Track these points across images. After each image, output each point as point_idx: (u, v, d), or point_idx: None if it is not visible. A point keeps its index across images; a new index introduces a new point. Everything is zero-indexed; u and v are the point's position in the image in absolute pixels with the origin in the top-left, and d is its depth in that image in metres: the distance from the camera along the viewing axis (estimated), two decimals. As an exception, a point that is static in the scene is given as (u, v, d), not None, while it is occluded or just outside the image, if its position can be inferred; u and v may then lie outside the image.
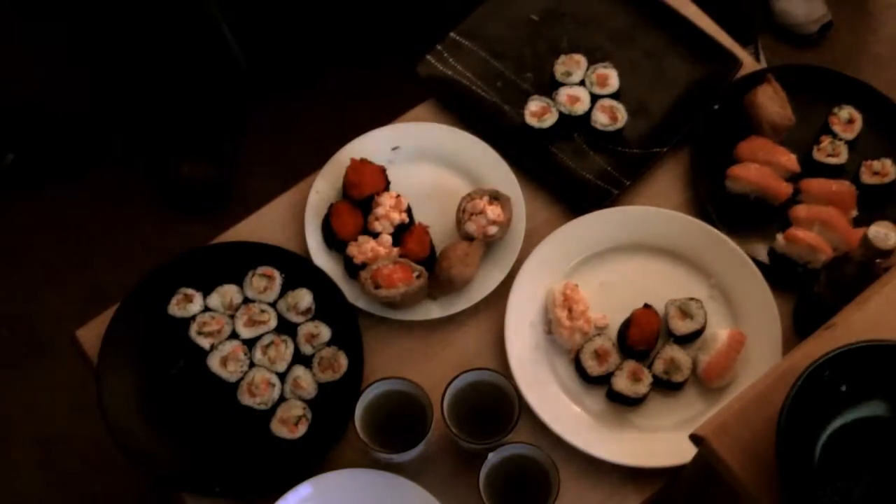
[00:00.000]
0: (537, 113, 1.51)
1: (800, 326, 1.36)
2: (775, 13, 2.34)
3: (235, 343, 1.36)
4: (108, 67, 2.18)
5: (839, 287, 1.23)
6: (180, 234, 2.08)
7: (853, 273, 1.21)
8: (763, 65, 1.82)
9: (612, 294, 1.42)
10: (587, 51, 1.59)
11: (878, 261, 1.17)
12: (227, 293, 1.39)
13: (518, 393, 1.28)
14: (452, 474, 1.30)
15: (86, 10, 2.03)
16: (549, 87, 1.55)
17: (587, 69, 1.55)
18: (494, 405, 1.28)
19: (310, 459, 1.30)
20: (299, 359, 1.36)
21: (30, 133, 2.12)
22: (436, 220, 1.45)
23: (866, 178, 1.47)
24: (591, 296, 1.41)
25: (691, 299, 1.38)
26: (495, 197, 1.42)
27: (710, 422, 1.03)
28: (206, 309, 1.39)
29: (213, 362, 1.35)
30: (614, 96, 1.54)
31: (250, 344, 1.37)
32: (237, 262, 1.41)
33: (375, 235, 1.41)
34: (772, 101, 1.46)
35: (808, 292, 1.31)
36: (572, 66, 1.56)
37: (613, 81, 1.55)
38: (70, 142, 2.14)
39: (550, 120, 1.51)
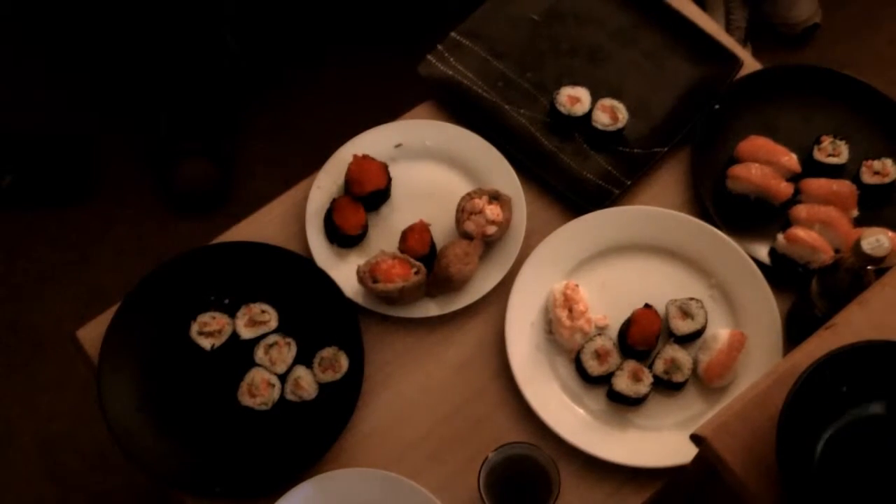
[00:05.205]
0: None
1: (791, 332, 1.35)
2: (762, 13, 2.31)
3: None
4: (107, 68, 2.18)
5: (831, 294, 1.22)
6: (180, 234, 2.08)
7: (845, 280, 1.20)
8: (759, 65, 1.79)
9: (613, 294, 1.42)
10: (587, 50, 1.59)
11: (868, 268, 1.16)
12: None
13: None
14: (452, 474, 1.30)
15: (85, 13, 2.04)
16: (552, 87, 1.55)
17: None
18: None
19: (310, 459, 1.30)
20: (300, 359, 1.36)
21: (28, 155, 2.11)
22: (437, 219, 1.44)
23: (867, 177, 1.47)
24: (592, 296, 1.41)
25: (692, 299, 1.38)
26: (495, 197, 1.42)
27: (710, 422, 1.03)
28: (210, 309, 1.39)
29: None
30: (615, 95, 1.54)
31: (251, 344, 1.37)
32: (237, 263, 1.41)
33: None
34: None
35: (805, 295, 1.31)
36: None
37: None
38: (70, 165, 2.13)
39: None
